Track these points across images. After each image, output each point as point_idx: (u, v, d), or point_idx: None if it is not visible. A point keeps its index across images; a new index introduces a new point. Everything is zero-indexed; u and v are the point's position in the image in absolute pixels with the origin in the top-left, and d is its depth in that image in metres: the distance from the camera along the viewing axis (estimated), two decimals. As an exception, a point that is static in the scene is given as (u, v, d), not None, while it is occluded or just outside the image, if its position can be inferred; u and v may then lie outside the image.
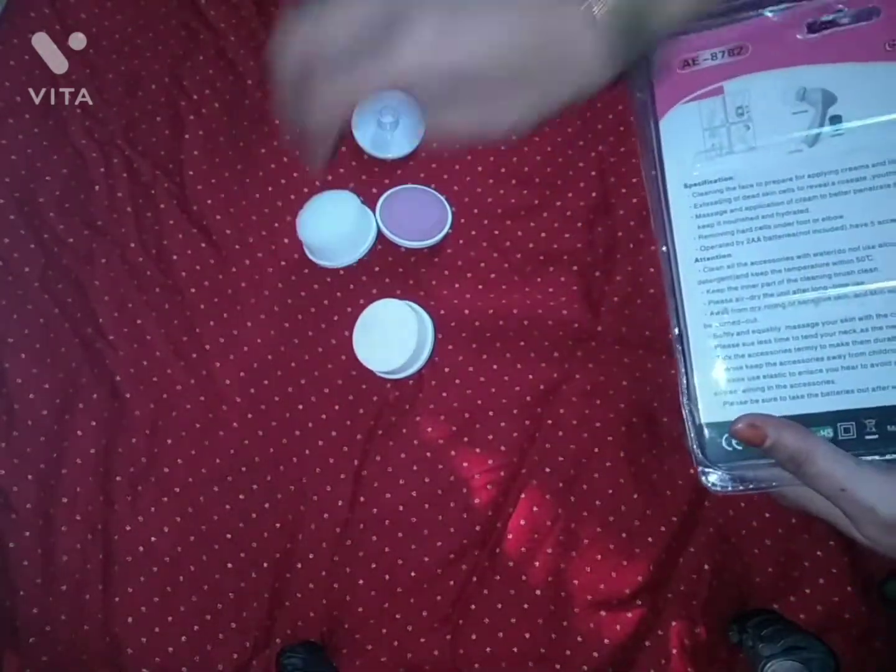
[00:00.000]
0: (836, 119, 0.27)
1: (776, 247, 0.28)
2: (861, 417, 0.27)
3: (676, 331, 0.29)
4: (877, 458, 0.27)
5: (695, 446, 0.29)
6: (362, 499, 0.55)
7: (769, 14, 0.28)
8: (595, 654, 0.51)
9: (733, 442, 0.28)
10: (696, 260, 0.29)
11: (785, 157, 0.28)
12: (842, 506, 0.26)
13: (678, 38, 0.28)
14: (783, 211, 0.28)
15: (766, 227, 0.28)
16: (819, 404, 0.27)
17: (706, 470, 0.29)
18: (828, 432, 0.27)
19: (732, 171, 0.28)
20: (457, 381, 0.56)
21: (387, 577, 0.54)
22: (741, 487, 0.28)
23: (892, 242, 0.27)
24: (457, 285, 0.58)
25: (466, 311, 0.58)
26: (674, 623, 0.51)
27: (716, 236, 0.28)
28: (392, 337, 0.53)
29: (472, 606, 0.53)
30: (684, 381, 0.29)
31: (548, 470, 0.55)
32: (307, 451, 0.56)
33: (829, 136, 0.27)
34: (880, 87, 0.27)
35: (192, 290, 0.59)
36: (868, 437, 0.27)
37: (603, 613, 0.52)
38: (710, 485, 0.29)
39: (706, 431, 0.28)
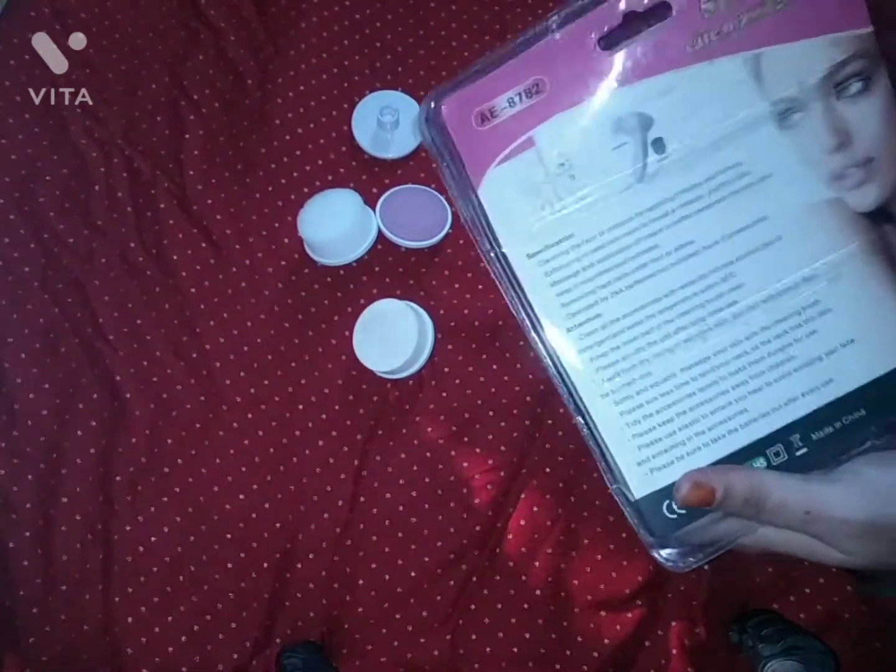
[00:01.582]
0: (657, 142, 0.25)
1: (641, 292, 0.26)
2: (786, 436, 0.26)
3: (579, 417, 0.27)
4: (814, 472, 0.25)
5: (639, 528, 0.27)
6: (362, 499, 0.55)
7: (556, 36, 0.25)
8: (595, 654, 0.51)
9: (674, 507, 0.26)
10: (568, 330, 0.27)
11: (618, 199, 0.26)
12: (810, 529, 0.24)
13: (462, 85, 0.25)
14: (634, 253, 0.26)
15: (624, 275, 0.26)
16: (742, 437, 0.26)
17: (658, 548, 0.27)
18: (761, 462, 0.26)
19: (570, 229, 0.26)
20: (457, 381, 0.56)
21: (387, 577, 0.54)
22: (700, 557, 0.26)
23: (747, 252, 0.25)
24: (457, 285, 0.58)
25: (466, 311, 0.58)
26: (674, 623, 0.51)
27: (578, 300, 0.26)
28: (392, 337, 0.53)
29: (472, 607, 0.53)
30: (603, 464, 0.27)
31: (548, 470, 0.55)
32: (307, 451, 0.56)
33: (656, 163, 0.25)
34: (691, 95, 0.25)
35: (192, 290, 0.59)
36: (799, 453, 0.26)
37: (603, 613, 0.52)
38: (667, 563, 0.26)
39: (643, 507, 0.26)
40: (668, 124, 0.25)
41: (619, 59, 0.25)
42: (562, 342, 0.27)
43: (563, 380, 0.27)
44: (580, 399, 0.27)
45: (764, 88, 0.25)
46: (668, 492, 0.26)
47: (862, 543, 0.24)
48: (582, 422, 0.27)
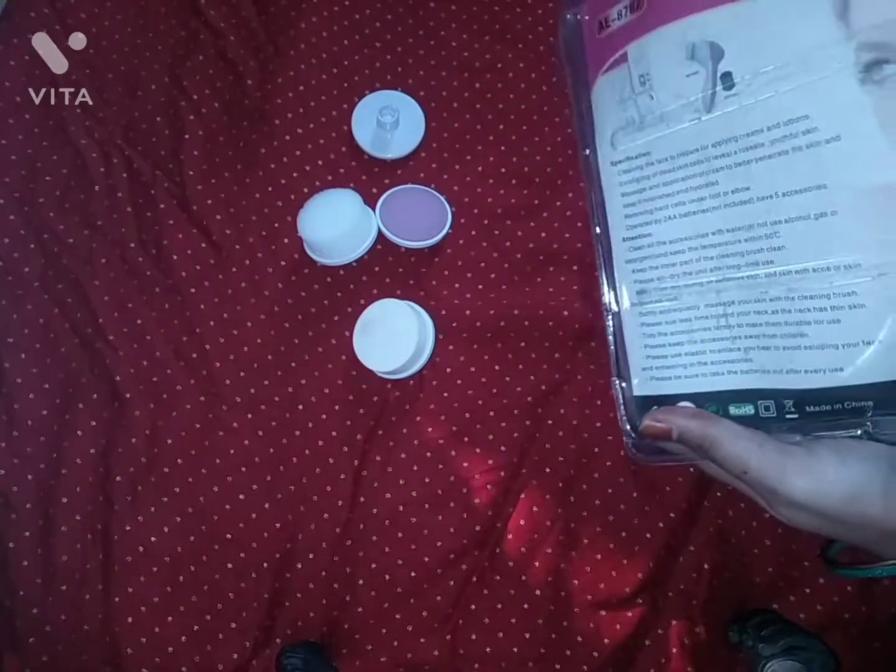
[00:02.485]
0: (726, 77, 0.25)
1: (692, 224, 0.26)
2: (779, 397, 0.26)
3: (607, 312, 0.29)
4: (798, 437, 0.26)
5: (624, 418, 0.30)
6: (362, 499, 0.55)
7: None
8: (595, 654, 0.51)
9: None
10: (623, 239, 0.28)
11: (689, 127, 0.26)
12: (749, 486, 0.26)
13: None
14: (696, 185, 0.26)
15: (682, 203, 0.26)
16: (739, 381, 0.27)
17: (631, 441, 0.30)
18: (749, 409, 0.27)
19: (648, 146, 0.27)
20: (457, 382, 0.57)
21: (387, 577, 0.54)
22: (663, 460, 0.29)
23: (797, 217, 0.24)
24: (457, 285, 0.58)
25: (467, 312, 0.58)
26: (674, 622, 0.51)
27: (638, 215, 0.28)
28: (392, 337, 0.53)
29: (472, 606, 0.53)
30: (614, 359, 0.29)
31: (548, 470, 0.55)
32: (307, 451, 0.56)
33: (723, 98, 0.25)
34: (765, 29, 0.23)
35: (192, 291, 0.59)
36: (788, 416, 0.26)
37: (603, 613, 0.52)
38: (633, 454, 0.30)
39: (634, 404, 0.29)
40: (738, 59, 0.24)
41: None
42: (617, 248, 0.28)
43: (607, 279, 0.29)
44: (618, 301, 0.29)
45: (850, 28, 0.22)
46: (657, 401, 0.28)
47: (794, 513, 0.25)
48: (610, 321, 0.29)
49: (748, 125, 0.24)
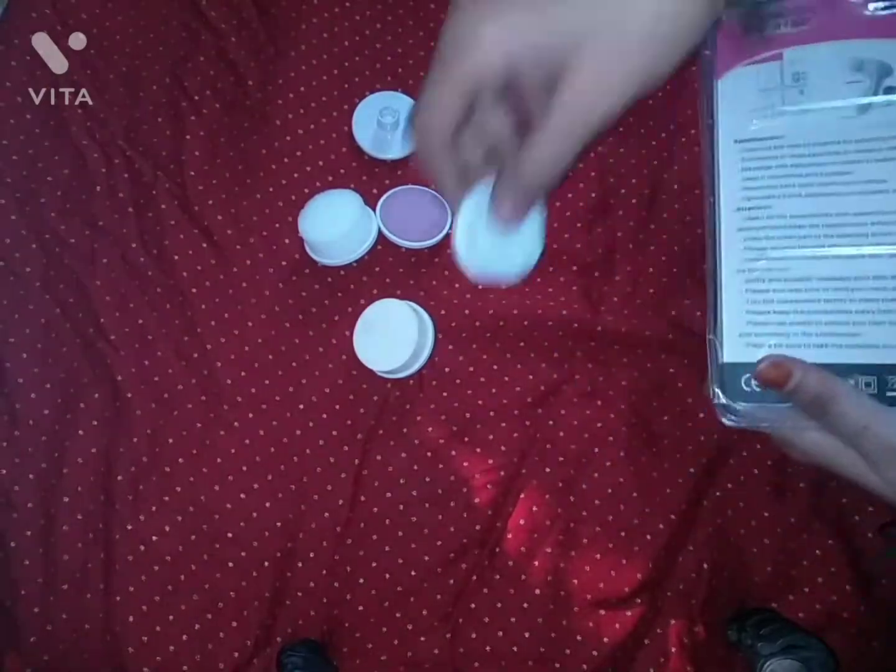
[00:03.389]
0: (890, 90, 0.28)
1: (817, 203, 0.29)
2: (884, 373, 0.27)
3: (711, 268, 0.30)
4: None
5: (715, 385, 0.29)
6: (363, 498, 0.55)
7: None
8: (594, 653, 0.51)
9: (753, 383, 0.29)
10: (738, 209, 0.29)
11: (835, 122, 0.29)
12: (863, 445, 0.26)
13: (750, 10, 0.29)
14: (828, 171, 0.28)
15: (809, 184, 0.29)
16: (843, 355, 0.28)
17: (723, 406, 0.29)
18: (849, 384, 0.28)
19: (783, 131, 0.29)
20: (457, 382, 0.57)
21: (387, 576, 0.54)
22: (756, 424, 0.29)
23: None
24: (457, 285, 0.59)
25: (467, 312, 0.58)
26: (673, 622, 0.52)
27: (759, 188, 0.29)
28: (392, 337, 0.53)
29: (472, 605, 0.53)
30: (712, 319, 0.30)
31: (548, 470, 0.55)
32: (308, 451, 0.56)
33: (881, 105, 0.28)
34: None
35: (194, 291, 0.59)
36: (889, 394, 0.27)
37: (602, 612, 0.52)
38: (725, 420, 0.29)
39: (727, 371, 0.29)
40: None
41: (882, 18, 0.28)
42: (728, 217, 0.30)
43: (714, 245, 0.30)
44: (720, 263, 0.30)
45: None
46: (753, 368, 0.28)
47: None
48: (712, 288, 0.30)
49: None
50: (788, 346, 0.28)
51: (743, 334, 0.29)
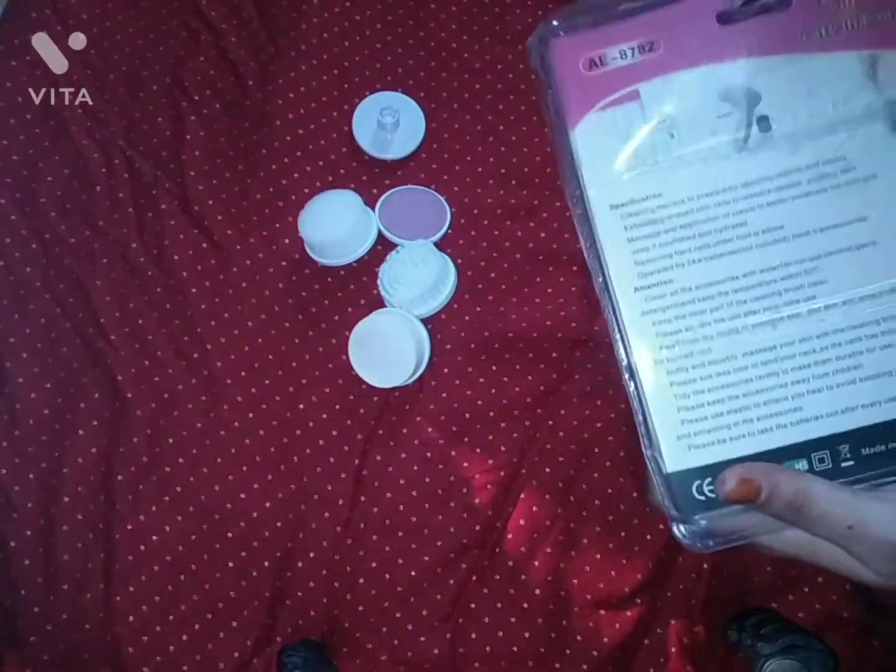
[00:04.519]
0: (762, 120, 0.25)
1: (719, 267, 0.25)
2: (834, 444, 0.25)
3: (627, 374, 0.26)
4: (857, 486, 0.25)
5: (664, 499, 0.26)
6: (363, 498, 0.55)
7: (679, 4, 0.25)
8: (594, 653, 0.51)
9: (705, 490, 0.25)
10: (636, 289, 0.26)
11: (715, 167, 0.25)
12: (848, 545, 0.23)
13: (577, 33, 0.25)
14: (721, 226, 0.25)
15: (706, 245, 0.25)
16: (790, 435, 0.25)
17: (680, 524, 0.26)
18: (803, 464, 0.25)
19: (661, 187, 0.26)
20: (457, 382, 0.57)
21: (387, 576, 0.54)
22: (719, 542, 0.25)
23: (838, 250, 0.25)
24: (457, 285, 0.59)
25: (465, 312, 0.58)
26: (673, 622, 0.52)
27: (653, 261, 0.26)
28: (389, 354, 0.53)
29: (472, 605, 0.53)
30: (643, 429, 0.26)
31: (548, 470, 0.55)
32: (308, 451, 0.56)
33: (758, 139, 0.25)
34: (801, 81, 0.25)
35: (194, 290, 0.59)
36: (844, 465, 0.25)
37: (602, 612, 0.52)
38: (683, 539, 0.26)
39: (673, 481, 0.25)
40: (776, 104, 0.25)
41: (735, 34, 0.25)
42: (627, 300, 0.26)
43: (621, 337, 0.26)
44: (633, 361, 0.26)
45: (879, 88, 0.25)
46: (701, 472, 0.25)
47: None
48: (631, 384, 0.26)
49: (784, 165, 0.25)
50: (732, 438, 0.25)
51: (681, 437, 0.25)
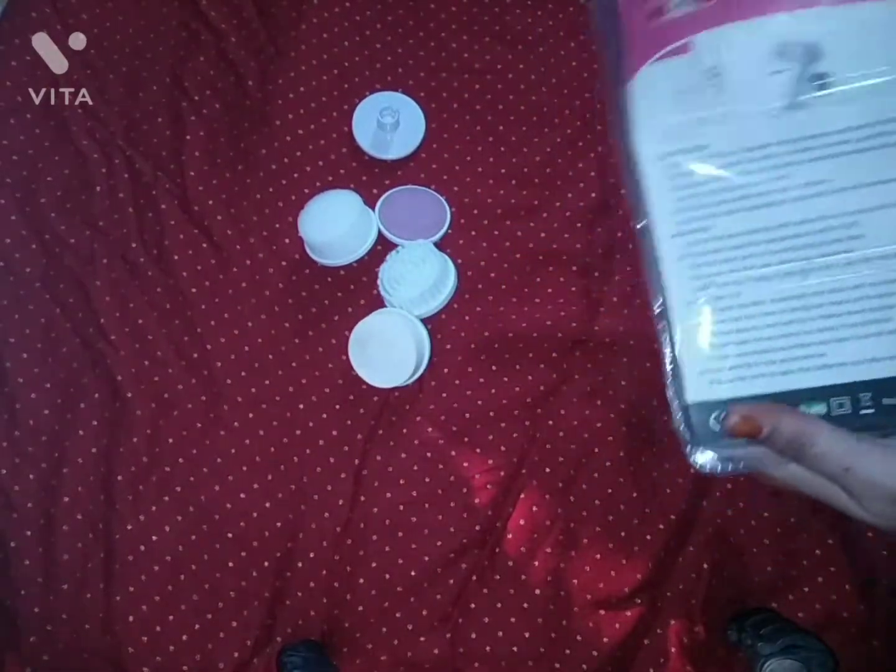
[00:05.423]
0: (819, 77, 0.25)
1: (757, 217, 0.26)
2: (856, 391, 0.25)
3: (659, 309, 0.27)
4: (874, 433, 0.25)
5: (682, 427, 0.27)
6: (363, 498, 0.55)
7: None
8: (594, 653, 0.51)
9: (722, 422, 0.27)
10: (674, 235, 0.27)
11: (763, 123, 0.25)
12: (845, 484, 0.25)
13: None
14: (762, 179, 0.26)
15: (745, 196, 0.26)
16: (811, 379, 0.26)
17: (695, 450, 0.28)
18: (821, 408, 0.26)
19: (707, 140, 0.26)
20: (457, 382, 0.57)
21: (387, 576, 0.54)
22: (730, 468, 0.27)
23: (878, 206, 0.25)
24: (457, 285, 0.59)
25: (465, 312, 0.58)
26: (673, 622, 0.52)
27: (693, 210, 0.26)
28: (389, 354, 0.53)
29: (472, 605, 0.53)
30: (669, 360, 0.27)
31: (548, 470, 0.55)
32: (308, 451, 0.56)
33: (811, 99, 0.25)
34: (867, 34, 0.24)
35: (193, 291, 0.59)
36: (863, 412, 0.25)
37: (602, 612, 0.52)
38: (698, 465, 0.27)
39: (693, 411, 0.27)
40: (837, 60, 0.24)
41: None
42: (667, 245, 0.27)
43: (657, 275, 0.27)
44: (667, 298, 0.27)
45: None
46: (720, 405, 0.26)
47: (892, 509, 0.25)
48: (662, 323, 0.27)
49: (835, 125, 0.25)
50: (752, 377, 0.26)
51: (704, 371, 0.27)
